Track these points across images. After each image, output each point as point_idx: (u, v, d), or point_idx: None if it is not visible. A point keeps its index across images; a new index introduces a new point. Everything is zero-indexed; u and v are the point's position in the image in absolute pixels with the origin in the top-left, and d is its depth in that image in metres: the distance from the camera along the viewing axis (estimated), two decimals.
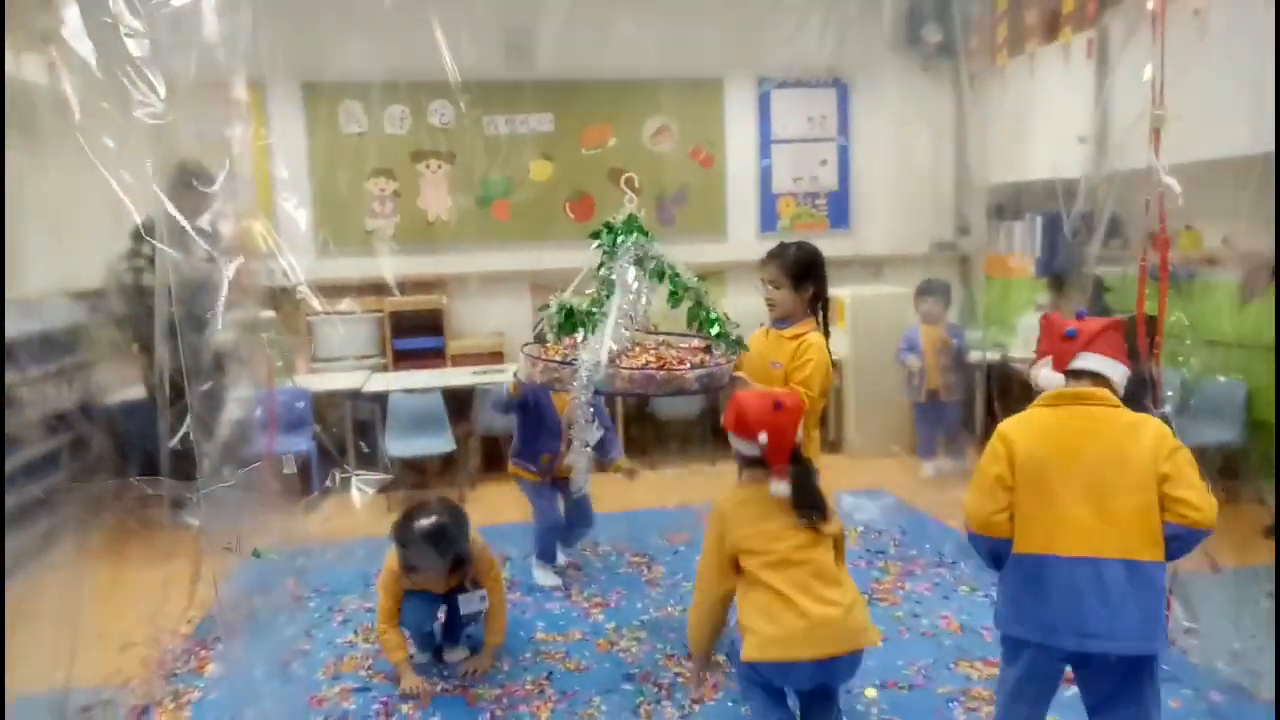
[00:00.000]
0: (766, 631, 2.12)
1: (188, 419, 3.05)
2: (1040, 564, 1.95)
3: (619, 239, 2.65)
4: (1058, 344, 2.03)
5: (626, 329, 2.61)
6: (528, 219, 5.80)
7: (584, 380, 2.47)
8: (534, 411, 3.50)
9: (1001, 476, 1.99)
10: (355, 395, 4.83)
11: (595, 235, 2.73)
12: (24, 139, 3.07)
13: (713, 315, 2.64)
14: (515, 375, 3.22)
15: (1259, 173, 3.66)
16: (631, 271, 2.59)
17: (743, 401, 2.25)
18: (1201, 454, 1.91)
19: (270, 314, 4.22)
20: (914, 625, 3.11)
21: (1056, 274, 4.45)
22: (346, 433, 4.87)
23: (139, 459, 3.45)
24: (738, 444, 2.28)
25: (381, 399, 4.76)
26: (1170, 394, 2.92)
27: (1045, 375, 2.05)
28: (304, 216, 5.29)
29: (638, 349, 2.70)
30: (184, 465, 3.12)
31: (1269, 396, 4.04)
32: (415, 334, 5.51)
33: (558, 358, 2.61)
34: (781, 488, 2.17)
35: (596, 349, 2.51)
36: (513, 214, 5.80)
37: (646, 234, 2.69)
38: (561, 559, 3.76)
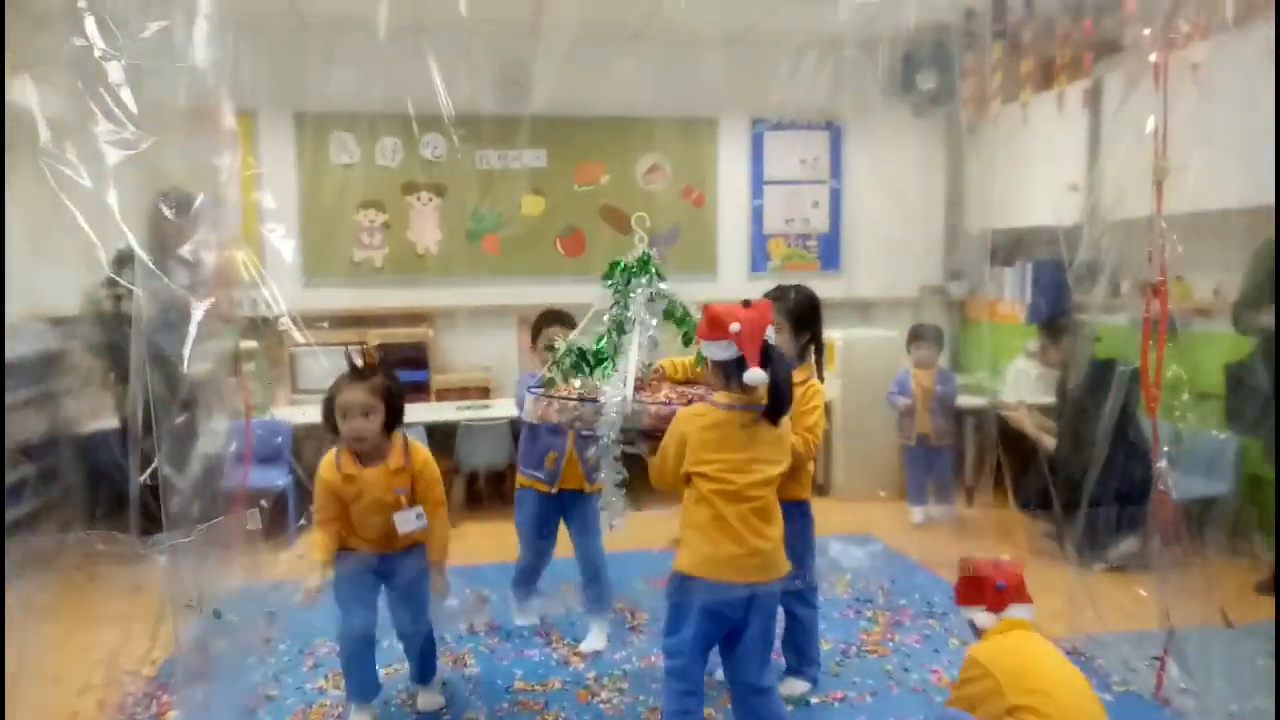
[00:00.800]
0: (703, 550, 2.29)
1: (158, 454, 2.97)
2: None
3: (631, 278, 2.60)
4: (990, 596, 2.35)
5: (644, 368, 2.58)
6: (518, 254, 5.76)
7: (612, 419, 2.40)
8: None
9: (981, 697, 2.20)
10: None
11: (607, 275, 2.68)
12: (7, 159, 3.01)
13: None
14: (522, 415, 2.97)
15: (1249, 225, 3.67)
16: (650, 310, 2.55)
17: (710, 306, 2.32)
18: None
19: (252, 345, 4.13)
20: (904, 680, 3.02)
21: (1052, 322, 4.41)
22: None
23: (110, 492, 3.36)
24: (711, 350, 2.31)
25: None
26: (1166, 449, 2.87)
27: (983, 619, 2.36)
28: (290, 246, 5.24)
29: (650, 389, 2.65)
30: (156, 499, 3.05)
31: (1261, 451, 4.00)
32: (400, 367, 5.40)
33: (566, 395, 2.54)
34: (757, 374, 2.21)
35: (620, 386, 2.45)
36: (503, 249, 5.76)
37: (660, 274, 2.65)
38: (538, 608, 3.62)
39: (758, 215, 6.10)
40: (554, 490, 3.29)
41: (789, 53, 5.31)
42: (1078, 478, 3.80)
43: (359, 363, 2.68)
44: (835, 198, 6.18)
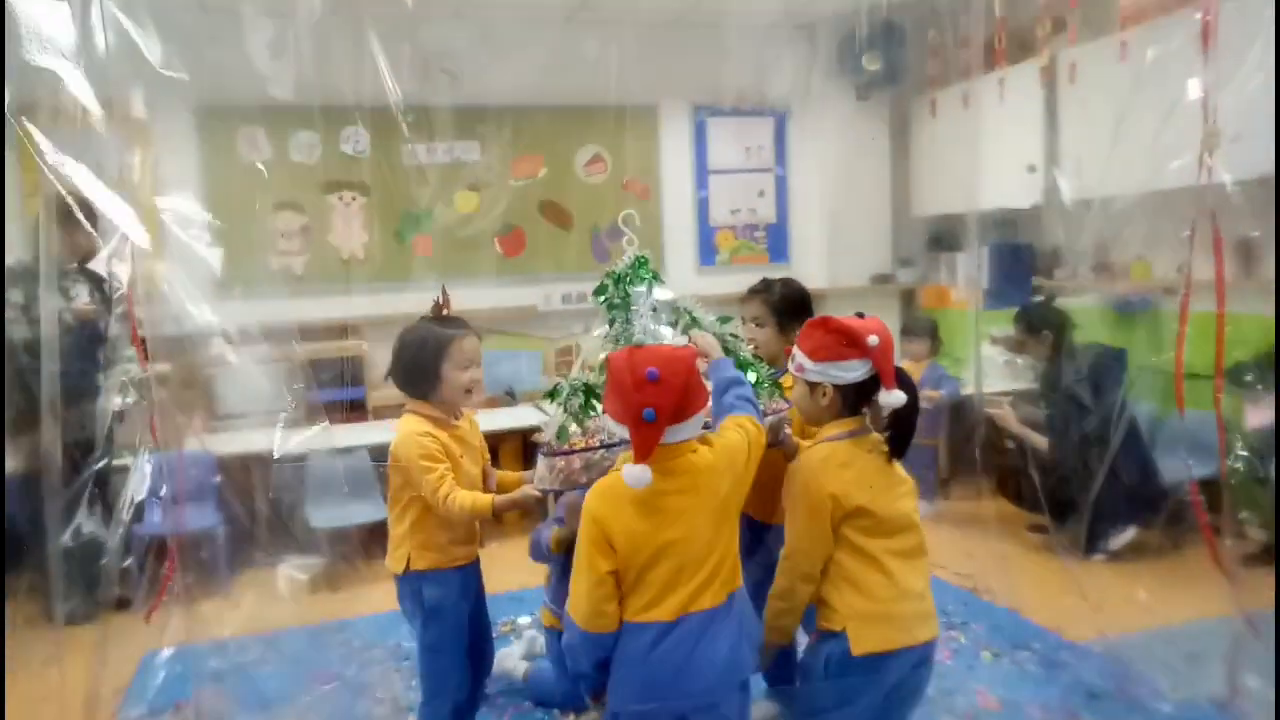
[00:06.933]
0: (867, 610, 1.91)
1: (80, 507, 2.52)
2: None
3: (628, 287, 2.25)
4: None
5: None
6: (453, 255, 5.32)
7: None
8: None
9: None
10: (269, 458, 4.22)
11: (600, 291, 2.32)
12: None
13: (744, 359, 2.28)
14: (555, 527, 2.66)
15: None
16: (665, 322, 2.21)
17: (831, 320, 2.01)
18: None
19: (164, 368, 3.64)
20: (950, 706, 2.73)
21: (1027, 311, 4.26)
22: (257, 502, 4.26)
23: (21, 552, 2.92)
24: (834, 373, 1.97)
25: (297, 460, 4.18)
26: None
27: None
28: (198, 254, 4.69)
29: None
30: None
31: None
32: (332, 385, 4.93)
33: (590, 446, 2.15)
34: (898, 396, 1.94)
35: None
36: (436, 250, 5.32)
37: (659, 278, 2.31)
38: None
39: (703, 207, 5.84)
40: None
41: (730, 35, 5.08)
42: (1074, 473, 3.67)
43: (445, 308, 2.48)
44: (781, 186, 5.97)
